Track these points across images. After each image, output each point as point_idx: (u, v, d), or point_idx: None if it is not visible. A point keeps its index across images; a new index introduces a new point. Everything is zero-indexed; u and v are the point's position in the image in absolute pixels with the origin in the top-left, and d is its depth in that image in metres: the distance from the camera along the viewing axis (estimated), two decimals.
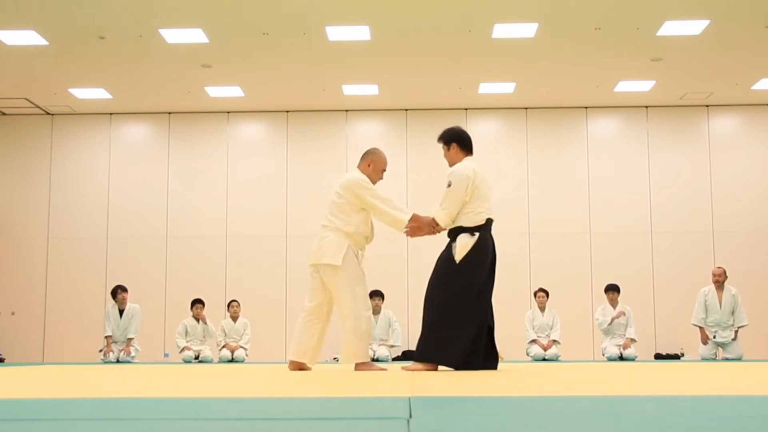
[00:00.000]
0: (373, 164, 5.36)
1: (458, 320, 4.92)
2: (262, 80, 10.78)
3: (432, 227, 5.08)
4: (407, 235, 5.18)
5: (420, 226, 5.09)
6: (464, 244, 5.00)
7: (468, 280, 4.97)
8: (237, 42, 9.34)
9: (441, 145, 5.38)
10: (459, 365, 4.90)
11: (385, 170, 5.44)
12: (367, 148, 5.51)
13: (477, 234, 5.02)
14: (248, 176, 11.98)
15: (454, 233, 5.09)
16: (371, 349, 10.09)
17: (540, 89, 11.18)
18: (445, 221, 5.05)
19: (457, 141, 5.30)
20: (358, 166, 5.41)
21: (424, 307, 5.09)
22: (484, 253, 5.04)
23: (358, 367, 5.09)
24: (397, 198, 11.60)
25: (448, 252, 5.08)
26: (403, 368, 5.12)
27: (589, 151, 11.93)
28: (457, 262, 4.97)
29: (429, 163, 11.96)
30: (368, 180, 5.26)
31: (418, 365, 5.00)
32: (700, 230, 11.65)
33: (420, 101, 11.63)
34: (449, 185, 5.07)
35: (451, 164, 5.27)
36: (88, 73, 10.50)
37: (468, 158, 5.29)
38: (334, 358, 10.45)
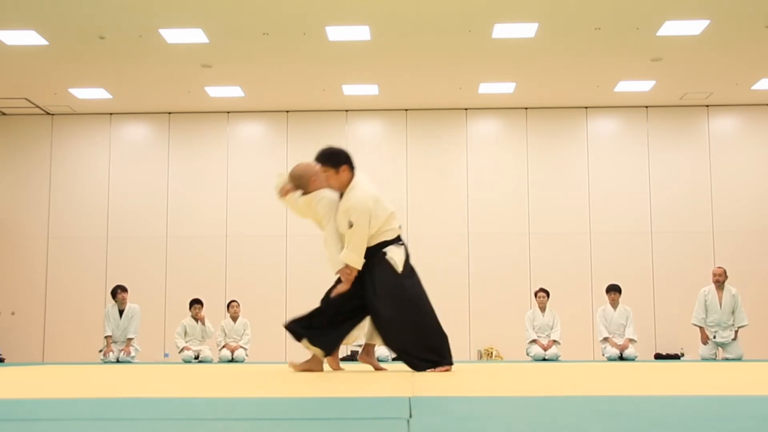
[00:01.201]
0: (317, 180, 4.92)
1: (426, 322, 4.86)
2: (262, 80, 10.78)
3: (347, 276, 4.73)
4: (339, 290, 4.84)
5: (342, 290, 4.78)
6: (399, 256, 4.82)
7: (414, 289, 4.89)
8: (237, 42, 9.34)
9: (325, 167, 4.73)
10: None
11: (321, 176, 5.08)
12: (296, 174, 4.93)
13: (402, 243, 4.89)
14: (248, 176, 11.98)
15: (379, 248, 4.80)
16: None
17: (540, 89, 11.18)
18: (359, 261, 4.69)
19: (348, 162, 4.73)
20: (309, 190, 4.97)
21: (384, 331, 4.78)
22: (410, 263, 4.92)
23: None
24: (397, 198, 11.66)
25: (383, 270, 4.78)
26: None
27: (589, 151, 11.94)
28: (400, 272, 4.77)
29: (429, 163, 11.97)
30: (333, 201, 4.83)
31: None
32: (700, 230, 11.66)
33: (420, 101, 11.63)
34: (351, 225, 4.64)
35: (339, 188, 4.77)
36: (88, 73, 10.50)
37: (357, 179, 4.76)
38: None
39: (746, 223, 11.65)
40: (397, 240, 4.89)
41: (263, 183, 12.05)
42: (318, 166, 4.78)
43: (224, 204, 11.95)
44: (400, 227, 4.96)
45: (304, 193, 4.90)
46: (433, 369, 4.80)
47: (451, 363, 4.84)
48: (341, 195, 4.82)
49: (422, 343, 4.82)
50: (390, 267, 4.80)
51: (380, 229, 4.80)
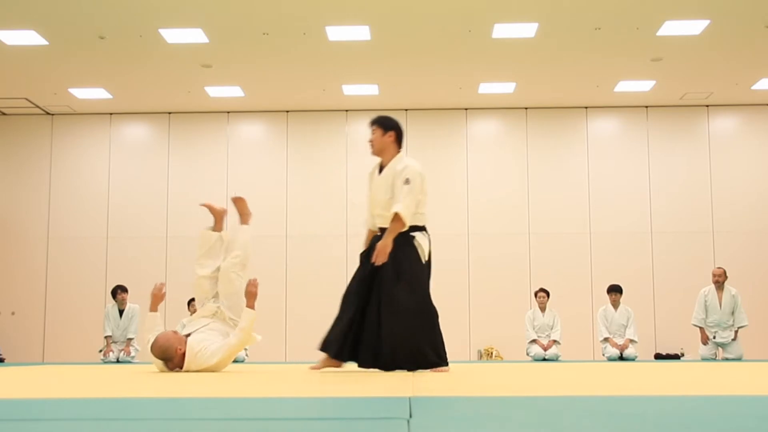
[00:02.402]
0: (176, 356, 4.89)
1: (435, 319, 4.87)
2: (262, 80, 10.78)
3: (394, 233, 4.72)
4: (378, 262, 4.75)
5: (384, 246, 4.72)
6: (426, 245, 4.86)
7: (428, 279, 4.91)
8: (237, 42, 9.34)
9: (374, 128, 5.04)
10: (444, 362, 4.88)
11: (180, 348, 4.90)
12: (159, 348, 4.84)
13: (428, 234, 4.92)
14: (248, 176, 11.98)
15: (407, 231, 4.82)
16: None
17: (540, 89, 11.18)
18: (409, 218, 4.73)
19: (396, 131, 5.02)
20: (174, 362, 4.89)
21: (394, 316, 4.71)
22: (431, 256, 4.95)
23: None
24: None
25: (407, 251, 4.80)
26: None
27: (589, 151, 11.93)
28: (424, 261, 4.82)
29: (428, 163, 11.96)
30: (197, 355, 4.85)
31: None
32: (700, 230, 11.66)
33: (420, 101, 11.63)
34: (408, 182, 4.76)
35: (381, 151, 5.00)
36: (88, 73, 10.50)
37: (404, 155, 5.02)
38: None
39: (746, 223, 11.64)
40: (424, 228, 4.91)
41: (263, 183, 12.07)
42: (175, 338, 4.86)
43: (224, 204, 11.89)
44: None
45: (172, 364, 4.85)
46: (433, 369, 4.80)
47: (447, 364, 4.86)
48: (380, 169, 4.99)
49: (430, 339, 4.80)
50: (417, 254, 4.82)
51: (418, 207, 4.85)
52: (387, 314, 4.74)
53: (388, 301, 4.75)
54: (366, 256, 4.93)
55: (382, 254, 4.72)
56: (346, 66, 10.18)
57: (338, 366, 4.96)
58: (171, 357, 4.86)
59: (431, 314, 4.82)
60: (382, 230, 4.88)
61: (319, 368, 4.95)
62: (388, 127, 5.02)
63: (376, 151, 5.02)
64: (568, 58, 9.93)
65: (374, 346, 4.77)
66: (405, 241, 4.81)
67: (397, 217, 4.72)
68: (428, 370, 4.81)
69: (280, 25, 8.85)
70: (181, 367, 4.88)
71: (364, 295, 4.86)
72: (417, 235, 4.84)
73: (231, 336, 4.97)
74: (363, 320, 4.85)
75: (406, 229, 4.76)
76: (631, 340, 9.77)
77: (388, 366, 4.75)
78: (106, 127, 12.18)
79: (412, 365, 4.78)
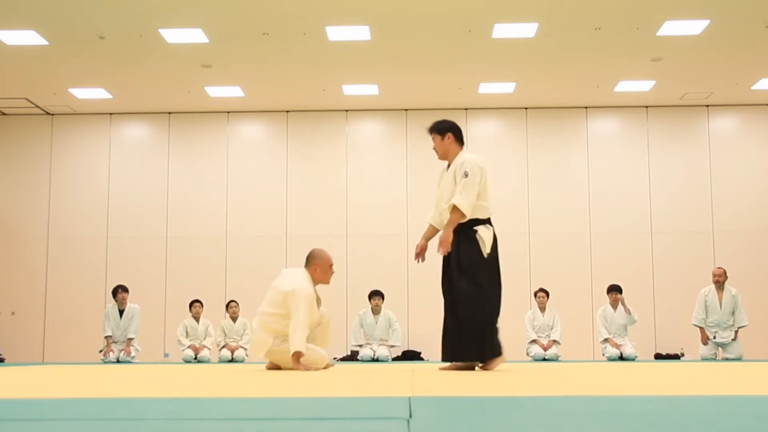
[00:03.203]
0: (319, 267, 5.31)
1: (492, 314, 4.94)
2: (262, 80, 10.78)
3: (453, 224, 4.91)
4: (440, 252, 4.98)
5: (445, 237, 4.92)
6: (489, 237, 4.98)
7: (494, 273, 4.98)
8: (237, 42, 9.34)
9: (433, 135, 5.24)
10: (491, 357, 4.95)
11: (332, 265, 5.37)
12: (310, 252, 5.40)
13: (492, 227, 5.03)
14: (248, 176, 11.98)
15: (469, 225, 4.98)
16: (371, 349, 10.10)
17: (540, 89, 11.18)
18: (468, 209, 4.90)
19: (453, 132, 5.20)
20: (308, 269, 5.33)
21: (453, 305, 4.92)
22: (497, 246, 5.05)
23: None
24: (397, 198, 11.65)
25: (469, 246, 4.95)
26: (441, 369, 5.03)
27: (589, 151, 11.93)
28: (485, 255, 4.91)
29: (429, 164, 11.96)
30: (310, 296, 5.17)
31: (460, 364, 4.93)
32: (700, 230, 11.66)
33: (420, 101, 11.63)
34: (466, 175, 4.92)
35: (445, 154, 5.20)
36: (88, 73, 10.50)
37: (466, 150, 5.22)
38: (334, 358, 10.45)
39: (746, 223, 11.64)
40: (488, 221, 5.02)
41: (263, 183, 12.08)
42: (322, 260, 5.29)
43: (224, 204, 11.94)
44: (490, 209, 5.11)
45: (312, 266, 5.30)
46: (486, 364, 4.82)
47: (483, 360, 4.89)
48: (448, 166, 5.18)
49: (482, 332, 4.85)
50: (478, 248, 4.92)
51: (479, 199, 4.97)
52: (452, 307, 4.95)
53: (452, 295, 4.97)
54: (445, 257, 5.09)
55: (444, 245, 4.94)
56: (346, 66, 10.18)
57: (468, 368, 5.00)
58: (316, 264, 5.28)
59: (487, 308, 4.89)
60: (461, 224, 5.06)
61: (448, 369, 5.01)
62: (444, 130, 5.20)
63: (441, 156, 5.24)
64: (568, 58, 9.93)
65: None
66: (467, 236, 4.96)
67: (455, 209, 4.91)
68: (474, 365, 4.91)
69: (280, 25, 8.85)
70: (309, 266, 5.26)
71: (446, 295, 5.09)
72: (480, 228, 4.97)
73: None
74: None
75: (466, 220, 4.94)
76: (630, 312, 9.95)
77: (452, 356, 4.93)
78: (106, 127, 12.18)
79: (474, 355, 4.88)
